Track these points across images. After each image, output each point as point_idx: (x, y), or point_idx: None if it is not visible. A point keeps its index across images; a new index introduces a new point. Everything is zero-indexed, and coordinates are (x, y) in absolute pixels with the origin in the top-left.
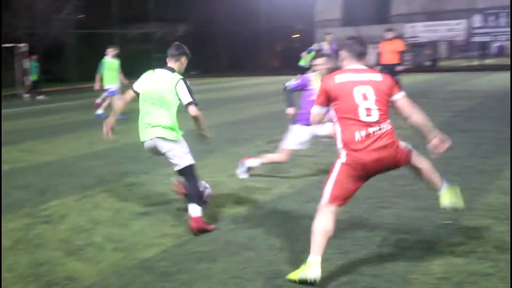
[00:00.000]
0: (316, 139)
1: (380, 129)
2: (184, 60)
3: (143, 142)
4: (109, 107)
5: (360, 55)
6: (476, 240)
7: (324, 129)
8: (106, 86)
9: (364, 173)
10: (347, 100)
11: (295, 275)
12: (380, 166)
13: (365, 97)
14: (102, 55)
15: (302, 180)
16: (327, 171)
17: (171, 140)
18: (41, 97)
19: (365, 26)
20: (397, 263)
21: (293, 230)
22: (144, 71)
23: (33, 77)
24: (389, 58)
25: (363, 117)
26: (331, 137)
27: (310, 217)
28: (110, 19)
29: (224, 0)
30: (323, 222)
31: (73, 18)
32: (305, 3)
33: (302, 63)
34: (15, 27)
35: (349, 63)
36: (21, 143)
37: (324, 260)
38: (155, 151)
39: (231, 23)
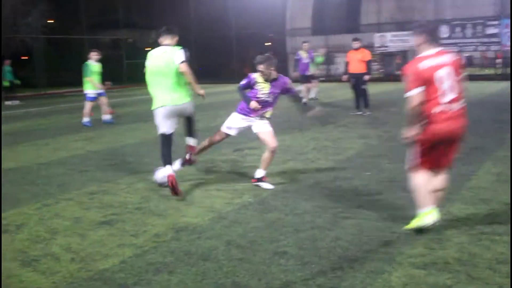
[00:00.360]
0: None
1: (458, 104)
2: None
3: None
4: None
5: (438, 40)
6: (437, 251)
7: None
8: (87, 91)
9: (442, 141)
10: (433, 82)
11: (411, 225)
12: (454, 135)
13: (448, 77)
14: (71, 60)
15: (265, 190)
16: (290, 182)
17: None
18: (9, 102)
19: (335, 35)
20: (357, 275)
21: (254, 240)
22: (115, 77)
23: (5, 82)
24: (357, 67)
25: (446, 95)
26: None
27: (271, 227)
28: (80, 25)
29: (196, 7)
30: (420, 180)
31: (41, 23)
32: (276, 12)
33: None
34: None
35: (429, 48)
36: None
37: (283, 271)
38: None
39: (202, 30)
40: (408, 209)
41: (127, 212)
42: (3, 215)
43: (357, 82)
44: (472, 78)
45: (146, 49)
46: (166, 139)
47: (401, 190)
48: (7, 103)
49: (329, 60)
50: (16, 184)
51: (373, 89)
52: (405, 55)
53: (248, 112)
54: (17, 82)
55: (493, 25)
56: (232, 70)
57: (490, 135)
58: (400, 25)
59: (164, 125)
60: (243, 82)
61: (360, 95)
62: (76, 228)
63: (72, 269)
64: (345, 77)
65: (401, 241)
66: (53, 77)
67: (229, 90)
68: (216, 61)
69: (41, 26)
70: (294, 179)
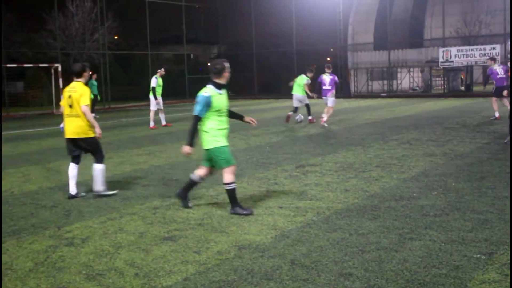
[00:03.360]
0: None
1: None
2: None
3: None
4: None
5: None
6: (510, 277)
7: None
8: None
9: None
10: None
11: None
12: None
13: None
14: (135, 75)
15: (329, 208)
16: (354, 200)
17: None
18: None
19: (397, 50)
20: None
21: (318, 260)
22: (178, 90)
23: (98, 97)
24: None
25: None
26: None
27: (336, 247)
28: (144, 41)
29: (257, 23)
30: None
31: (107, 39)
32: (338, 27)
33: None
34: (51, 47)
35: None
36: (49, 162)
37: None
38: None
39: (264, 45)
40: (478, 231)
41: (190, 228)
42: (68, 228)
43: None
44: None
45: (208, 64)
46: None
47: (469, 211)
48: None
49: (391, 75)
50: (80, 197)
51: (438, 105)
52: (470, 70)
53: None
54: (99, 96)
55: None
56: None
57: None
58: (465, 40)
59: None
60: None
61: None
62: (140, 243)
63: (135, 284)
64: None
65: (471, 265)
66: (117, 91)
67: (289, 105)
68: (277, 77)
69: (108, 42)
70: (357, 198)
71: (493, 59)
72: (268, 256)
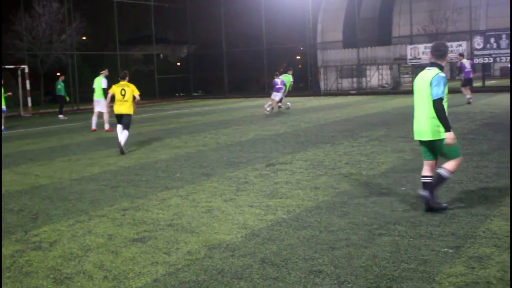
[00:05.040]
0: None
1: None
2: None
3: None
4: None
5: None
6: (478, 270)
7: None
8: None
9: None
10: None
11: None
12: None
13: None
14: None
15: (299, 206)
16: (323, 198)
17: None
18: (62, 116)
19: (366, 48)
20: None
21: (289, 258)
22: (147, 91)
23: (66, 98)
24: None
25: None
26: None
27: (306, 245)
28: (113, 41)
29: (227, 22)
30: None
31: (75, 40)
32: (307, 26)
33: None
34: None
35: None
36: (17, 166)
37: None
38: None
39: (233, 45)
40: (445, 225)
41: (160, 229)
42: (36, 231)
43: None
44: (506, 89)
45: (177, 64)
46: None
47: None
48: (61, 116)
49: (360, 73)
50: (48, 200)
51: (406, 101)
52: None
53: None
54: (67, 97)
55: None
56: (262, 84)
57: None
58: (433, 37)
59: None
60: None
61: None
62: (109, 245)
63: (104, 287)
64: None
65: (439, 259)
66: (86, 92)
67: (260, 104)
68: (246, 75)
69: (76, 43)
70: (327, 195)
71: (461, 54)
72: (238, 255)
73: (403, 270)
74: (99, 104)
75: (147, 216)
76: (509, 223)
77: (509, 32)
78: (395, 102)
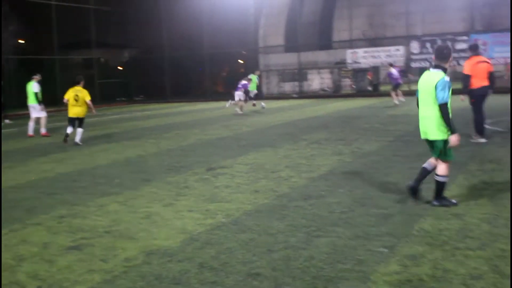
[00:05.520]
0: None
1: None
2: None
3: None
4: None
5: None
6: (411, 268)
7: None
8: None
9: None
10: None
11: None
12: None
13: None
14: (43, 80)
15: (238, 209)
16: (263, 201)
17: None
18: (6, 121)
19: (308, 52)
20: None
21: (227, 262)
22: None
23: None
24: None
25: None
26: None
27: (245, 248)
28: (52, 45)
29: (168, 26)
30: None
31: (12, 43)
32: (249, 30)
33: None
34: None
35: None
36: None
37: None
38: None
39: (175, 49)
40: (381, 225)
41: (97, 236)
42: None
43: None
44: None
45: (119, 68)
46: None
47: (374, 206)
48: (7, 121)
49: (302, 77)
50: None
51: (346, 105)
52: (376, 71)
53: None
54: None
55: (462, 41)
56: (204, 88)
57: (462, 148)
58: (372, 42)
59: None
60: None
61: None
62: (44, 254)
63: None
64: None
65: (375, 258)
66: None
67: (202, 108)
68: (188, 80)
69: (12, 47)
70: (267, 198)
71: (390, 64)
72: (176, 260)
73: (340, 270)
74: (35, 110)
75: (84, 223)
76: (442, 222)
77: (444, 38)
78: (336, 106)
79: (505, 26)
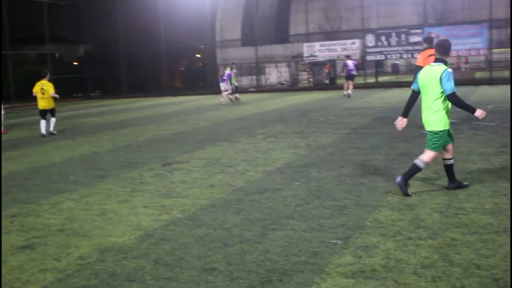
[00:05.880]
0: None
1: None
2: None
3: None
4: None
5: None
6: (364, 259)
7: None
8: None
9: None
10: None
11: None
12: None
13: None
14: None
15: (194, 204)
16: (219, 196)
17: None
18: None
19: (265, 46)
20: None
21: (182, 258)
22: None
23: None
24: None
25: None
26: None
27: (200, 243)
28: (3, 40)
29: (124, 20)
30: None
31: None
32: (205, 24)
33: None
34: None
35: None
36: None
37: None
38: None
39: (131, 43)
40: (336, 217)
41: (50, 235)
42: None
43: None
44: (397, 85)
45: (74, 63)
46: None
47: (329, 198)
48: None
49: (259, 70)
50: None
51: (304, 98)
52: (333, 64)
53: None
54: None
55: (416, 34)
56: (161, 83)
57: (415, 140)
58: (328, 35)
59: None
60: None
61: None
62: None
63: None
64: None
65: (329, 250)
66: None
67: (159, 103)
68: (145, 75)
69: None
70: (222, 192)
71: (347, 56)
72: (131, 257)
73: (294, 263)
74: None
75: (37, 221)
76: (395, 212)
77: (398, 31)
78: (293, 99)
79: (457, 20)
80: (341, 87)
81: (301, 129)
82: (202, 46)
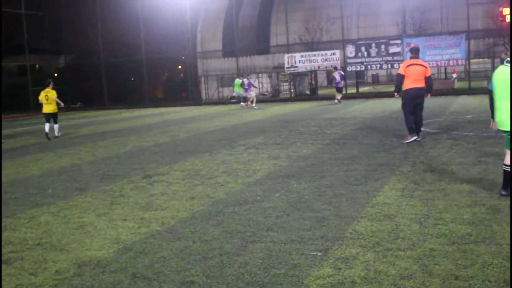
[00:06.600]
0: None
1: None
2: None
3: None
4: None
5: None
6: (344, 271)
7: None
8: None
9: None
10: None
11: None
12: None
13: None
14: None
15: (174, 217)
16: (199, 208)
17: None
18: None
19: (245, 57)
20: None
21: (161, 271)
22: (21, 104)
23: None
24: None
25: None
26: None
27: (179, 256)
28: None
29: (104, 31)
30: None
31: None
32: (186, 35)
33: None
34: None
35: None
36: None
37: None
38: None
39: (111, 54)
40: (315, 229)
41: (27, 249)
42: None
43: None
44: (378, 95)
45: (55, 74)
46: None
47: (309, 210)
48: None
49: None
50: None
51: (285, 109)
52: (315, 75)
53: None
54: None
55: (395, 44)
56: (143, 94)
57: (395, 151)
58: (309, 46)
59: None
60: None
61: None
62: None
63: None
64: None
65: (308, 262)
66: None
67: (140, 114)
68: (126, 86)
69: None
70: (202, 204)
71: (335, 67)
72: (109, 271)
73: (274, 275)
74: None
75: (14, 236)
76: (375, 223)
77: (378, 42)
78: (274, 110)
79: (435, 30)
80: (322, 98)
81: (282, 140)
82: (183, 57)
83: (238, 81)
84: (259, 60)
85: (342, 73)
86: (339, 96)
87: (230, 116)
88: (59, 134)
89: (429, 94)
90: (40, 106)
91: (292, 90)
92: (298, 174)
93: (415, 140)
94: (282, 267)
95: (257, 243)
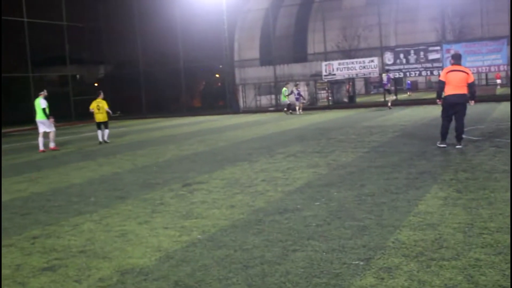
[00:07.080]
0: None
1: None
2: None
3: None
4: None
5: None
6: (387, 281)
7: None
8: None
9: None
10: None
11: None
12: None
13: None
14: (16, 99)
15: (214, 225)
16: (239, 216)
17: None
18: None
19: (283, 65)
20: None
21: (202, 280)
22: (63, 113)
23: None
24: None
25: None
26: None
27: (220, 265)
28: (25, 63)
29: (143, 41)
30: None
31: None
32: (224, 44)
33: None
34: None
35: None
36: None
37: None
38: None
39: (150, 64)
40: (357, 238)
41: (71, 256)
42: None
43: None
44: (417, 102)
45: (95, 84)
46: None
47: (349, 218)
48: None
49: (278, 90)
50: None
51: (323, 117)
52: (352, 82)
53: None
54: None
55: (435, 51)
56: (181, 103)
57: (436, 158)
58: (346, 53)
59: None
60: None
61: None
62: (16, 276)
63: None
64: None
65: (350, 272)
66: None
67: (178, 123)
68: (165, 95)
69: None
70: (242, 213)
71: (387, 70)
72: (151, 279)
73: (315, 285)
74: (43, 125)
75: (58, 243)
76: (417, 232)
77: (417, 48)
78: (312, 118)
79: (476, 36)
80: (360, 106)
81: (321, 148)
82: (220, 66)
83: (285, 90)
84: (297, 68)
85: (391, 76)
86: (390, 101)
87: (268, 125)
88: (109, 140)
89: (472, 101)
90: (83, 115)
91: (330, 98)
92: (338, 182)
93: (444, 147)
94: (324, 276)
95: (298, 252)
